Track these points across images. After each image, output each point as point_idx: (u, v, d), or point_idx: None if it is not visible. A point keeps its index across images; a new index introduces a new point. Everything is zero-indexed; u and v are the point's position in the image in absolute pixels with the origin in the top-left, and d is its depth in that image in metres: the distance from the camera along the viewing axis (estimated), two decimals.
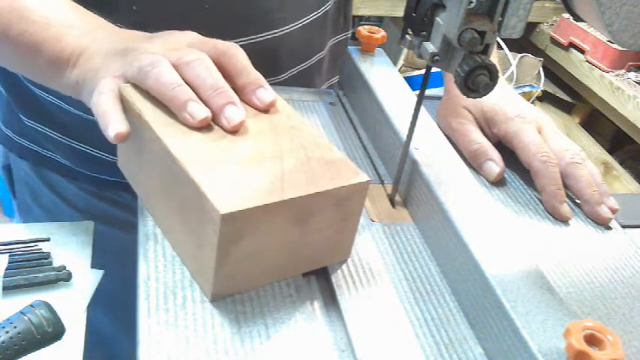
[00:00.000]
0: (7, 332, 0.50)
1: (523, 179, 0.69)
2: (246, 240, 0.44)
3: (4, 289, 0.61)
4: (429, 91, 0.61)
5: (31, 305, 0.52)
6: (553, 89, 2.07)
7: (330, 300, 0.49)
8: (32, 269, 0.64)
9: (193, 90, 0.50)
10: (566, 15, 1.48)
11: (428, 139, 0.63)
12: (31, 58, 0.58)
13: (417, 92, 0.57)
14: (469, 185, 0.58)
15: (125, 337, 0.61)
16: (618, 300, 0.55)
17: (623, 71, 1.77)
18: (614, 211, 0.65)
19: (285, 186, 0.45)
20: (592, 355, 0.38)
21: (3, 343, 0.49)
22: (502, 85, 0.71)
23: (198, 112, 0.49)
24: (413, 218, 0.60)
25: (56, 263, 0.65)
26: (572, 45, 1.91)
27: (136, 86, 0.52)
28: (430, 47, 0.51)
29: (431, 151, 0.61)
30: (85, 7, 0.60)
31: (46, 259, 0.66)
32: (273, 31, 0.74)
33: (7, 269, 0.63)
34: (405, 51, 2.02)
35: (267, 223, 0.45)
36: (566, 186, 0.65)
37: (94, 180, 0.81)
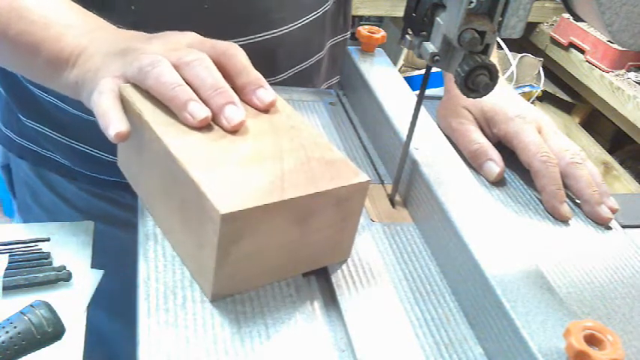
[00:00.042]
0: (7, 332, 0.50)
1: (523, 179, 0.69)
2: (246, 240, 0.44)
3: (4, 289, 0.61)
4: (429, 91, 0.61)
5: (31, 305, 0.52)
6: (553, 89, 2.07)
7: (330, 300, 0.49)
8: (32, 269, 0.64)
9: (193, 90, 0.50)
10: (566, 15, 1.48)
11: (428, 139, 0.63)
12: (30, 58, 0.58)
13: (417, 92, 0.57)
14: (469, 185, 0.58)
15: (125, 337, 0.61)
16: (618, 300, 0.55)
17: (623, 71, 1.77)
18: (614, 211, 0.65)
19: (285, 186, 0.45)
20: (592, 355, 0.38)
21: (3, 343, 0.49)
22: (502, 85, 0.71)
23: (199, 111, 0.49)
24: (413, 218, 0.60)
25: (56, 263, 0.65)
26: (572, 45, 1.91)
27: (136, 86, 0.52)
28: (430, 47, 0.51)
29: (431, 151, 0.61)
30: (84, 8, 0.60)
31: (46, 259, 0.66)
32: (271, 31, 0.74)
33: (7, 269, 0.63)
34: (405, 51, 2.02)
35: (267, 223, 0.45)
36: (566, 186, 0.65)
37: (93, 180, 0.81)
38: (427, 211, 0.57)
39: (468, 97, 0.50)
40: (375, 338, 0.45)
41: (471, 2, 0.46)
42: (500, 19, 0.46)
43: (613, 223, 0.65)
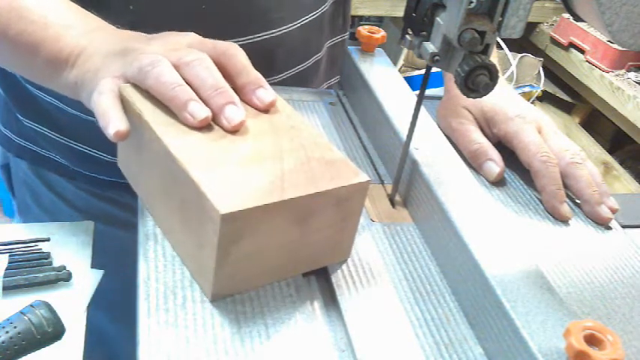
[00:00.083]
0: (7, 332, 0.50)
1: (523, 179, 0.69)
2: (246, 240, 0.44)
3: (4, 289, 0.61)
4: (429, 91, 0.61)
5: (31, 305, 0.52)
6: (553, 89, 2.07)
7: (330, 300, 0.49)
8: (32, 269, 0.64)
9: (193, 90, 0.50)
10: (566, 15, 1.48)
11: (428, 139, 0.63)
12: (29, 58, 0.58)
13: (417, 92, 0.57)
14: (469, 185, 0.58)
15: (125, 337, 0.61)
16: (618, 300, 0.55)
17: (623, 71, 1.77)
18: (614, 211, 0.65)
19: (285, 186, 0.45)
20: (592, 355, 0.38)
21: (3, 343, 0.49)
22: (502, 85, 0.71)
23: (199, 111, 0.49)
24: (413, 218, 0.60)
25: (56, 263, 0.66)
26: (572, 45, 1.91)
27: (136, 86, 0.52)
28: (430, 47, 0.51)
29: (431, 151, 0.61)
30: (82, 7, 0.60)
31: (46, 259, 0.66)
32: (270, 32, 0.74)
33: (7, 269, 0.63)
34: (405, 51, 2.02)
35: (267, 223, 0.45)
36: (566, 186, 0.65)
37: (92, 180, 0.81)
38: (427, 211, 0.57)
39: (468, 97, 0.50)
40: (375, 338, 0.45)
41: (471, 2, 0.46)
42: (500, 19, 0.46)
43: (613, 223, 0.65)
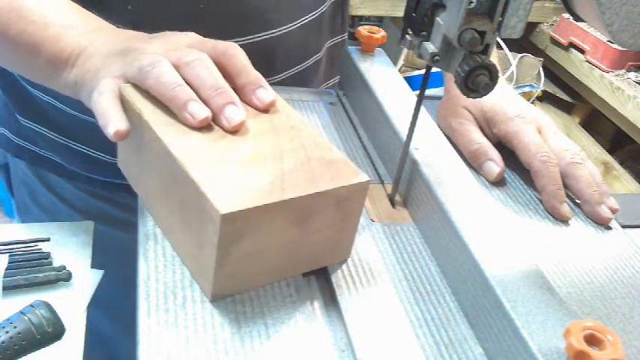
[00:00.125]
0: (7, 332, 0.50)
1: (523, 179, 0.69)
2: (246, 240, 0.44)
3: (4, 289, 0.61)
4: (429, 91, 0.61)
5: (31, 305, 0.52)
6: (553, 89, 2.07)
7: (330, 300, 0.49)
8: (32, 269, 0.64)
9: (193, 90, 0.50)
10: (566, 15, 1.48)
11: (428, 139, 0.63)
12: (29, 58, 0.58)
13: (417, 92, 0.57)
14: (469, 185, 0.58)
15: (125, 337, 0.61)
16: (618, 300, 0.55)
17: (623, 71, 1.77)
18: (614, 211, 0.65)
19: (285, 186, 0.45)
20: (592, 355, 0.38)
21: (3, 343, 0.49)
22: (502, 85, 0.71)
23: (199, 111, 0.49)
24: (413, 218, 0.60)
25: (56, 263, 0.66)
26: (572, 45, 1.91)
27: (136, 86, 0.52)
28: (430, 47, 0.51)
29: (431, 151, 0.61)
30: (82, 7, 0.60)
31: (46, 259, 0.66)
32: (269, 32, 0.74)
33: (7, 269, 0.63)
34: (405, 51, 2.02)
35: (267, 223, 0.45)
36: (566, 186, 0.65)
37: (91, 180, 0.81)
38: (427, 211, 0.57)
39: (468, 97, 0.50)
40: (375, 338, 0.45)
41: (471, 2, 0.46)
42: (500, 19, 0.46)
43: (613, 223, 0.65)
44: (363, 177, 0.48)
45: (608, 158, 1.85)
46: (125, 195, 0.79)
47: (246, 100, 0.54)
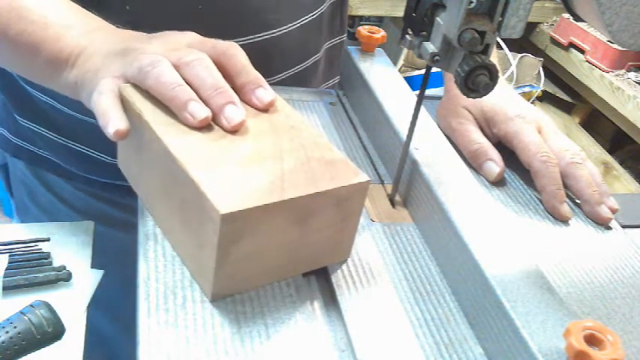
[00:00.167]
0: (7, 332, 0.50)
1: (523, 179, 0.69)
2: (246, 240, 0.44)
3: (4, 289, 0.61)
4: (429, 91, 0.61)
5: (31, 305, 0.52)
6: (553, 89, 2.07)
7: (330, 300, 0.49)
8: (32, 269, 0.64)
9: (193, 90, 0.50)
10: (566, 15, 1.48)
11: (428, 139, 0.63)
12: (29, 58, 0.58)
13: (417, 92, 0.57)
14: (469, 185, 0.58)
15: (125, 338, 0.61)
16: (618, 300, 0.55)
17: (623, 71, 1.77)
18: (614, 211, 0.65)
19: (285, 186, 0.45)
20: (592, 355, 0.38)
21: (3, 343, 0.49)
22: (502, 85, 0.71)
23: (199, 111, 0.49)
24: (413, 218, 0.60)
25: (56, 263, 0.65)
26: (572, 45, 1.91)
27: (136, 86, 0.52)
28: (430, 47, 0.51)
29: (431, 151, 0.61)
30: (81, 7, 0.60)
31: (46, 259, 0.66)
32: (267, 32, 0.74)
33: (7, 269, 0.63)
34: (405, 51, 2.02)
35: (267, 223, 0.45)
36: (566, 186, 0.65)
37: (89, 181, 0.81)
38: (427, 211, 0.57)
39: (468, 97, 0.50)
40: (375, 338, 0.45)
41: (471, 2, 0.46)
42: (500, 19, 0.46)
43: (613, 223, 0.65)
44: (363, 177, 0.48)
45: (608, 158, 1.85)
46: (124, 196, 0.78)
47: (245, 100, 0.54)
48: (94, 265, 0.67)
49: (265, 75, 0.55)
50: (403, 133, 0.60)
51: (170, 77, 0.50)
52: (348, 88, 0.79)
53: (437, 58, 0.50)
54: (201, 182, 0.44)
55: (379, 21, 2.11)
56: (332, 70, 0.90)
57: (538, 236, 0.62)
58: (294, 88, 0.79)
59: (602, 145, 1.92)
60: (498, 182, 0.68)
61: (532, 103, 1.96)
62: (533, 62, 2.02)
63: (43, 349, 0.52)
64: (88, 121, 0.72)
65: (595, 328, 0.39)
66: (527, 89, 2.02)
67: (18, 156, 0.85)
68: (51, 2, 0.59)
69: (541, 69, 2.02)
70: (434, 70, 0.54)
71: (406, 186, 0.61)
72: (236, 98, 0.51)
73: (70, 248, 0.68)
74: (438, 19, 0.49)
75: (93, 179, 0.80)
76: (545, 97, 2.09)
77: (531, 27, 2.07)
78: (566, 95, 2.05)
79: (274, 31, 0.74)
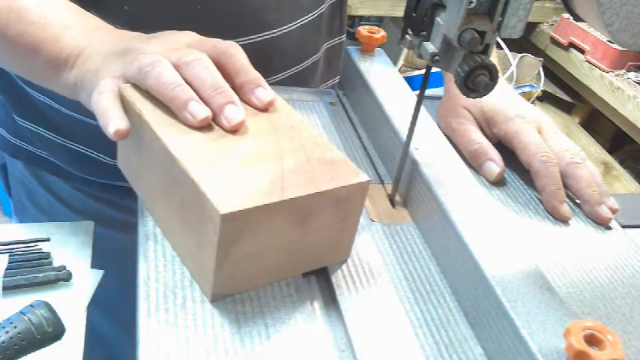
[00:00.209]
0: (7, 332, 0.50)
1: (523, 179, 0.69)
2: (246, 240, 0.44)
3: (4, 289, 0.61)
4: (429, 91, 0.61)
5: (31, 305, 0.52)
6: (553, 89, 2.07)
7: (330, 300, 0.49)
8: (32, 269, 0.64)
9: (193, 90, 0.50)
10: (566, 15, 1.48)
11: (428, 139, 0.63)
12: (29, 59, 0.58)
13: (417, 92, 0.57)
14: (469, 185, 0.58)
15: (124, 338, 0.61)
16: (618, 300, 0.55)
17: (623, 71, 1.77)
18: (614, 211, 0.65)
19: (285, 186, 0.45)
20: (592, 355, 0.38)
21: (3, 343, 0.49)
22: (502, 85, 0.71)
23: (199, 111, 0.49)
24: (413, 218, 0.60)
25: (56, 263, 0.65)
26: (572, 45, 1.91)
27: (136, 86, 0.52)
28: (430, 47, 0.51)
29: (431, 151, 0.61)
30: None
31: (46, 259, 0.66)
32: (266, 33, 0.74)
33: (7, 269, 0.63)
34: (405, 51, 2.03)
35: (267, 223, 0.45)
36: (566, 186, 0.65)
37: (88, 182, 0.81)
38: (427, 211, 0.57)
39: (468, 97, 0.50)
40: (375, 338, 0.45)
41: (471, 2, 0.46)
42: (500, 19, 0.46)
43: (613, 223, 0.65)
44: (363, 177, 0.48)
45: (608, 158, 1.85)
46: (123, 196, 0.79)
47: (245, 100, 0.54)
48: (94, 265, 0.67)
49: (264, 75, 0.55)
50: (403, 133, 0.60)
51: (170, 77, 0.50)
52: (348, 88, 0.79)
53: (437, 58, 0.50)
54: (201, 182, 0.44)
55: (379, 21, 2.11)
56: (331, 71, 0.90)
57: (538, 236, 0.62)
58: (294, 88, 0.79)
59: (602, 145, 1.92)
60: (498, 182, 0.68)
61: (532, 103, 1.96)
62: (533, 62, 2.02)
63: (43, 349, 0.52)
64: (86, 122, 0.72)
65: (595, 328, 0.39)
66: (527, 89, 2.02)
67: (16, 156, 0.85)
68: (50, 3, 0.59)
69: (541, 69, 2.02)
70: (434, 70, 0.54)
71: (406, 186, 0.61)
72: (236, 98, 0.51)
73: (70, 248, 0.68)
74: (438, 19, 0.49)
75: (91, 180, 0.80)
76: (545, 97, 2.09)
77: (531, 27, 2.07)
78: (566, 95, 2.05)
79: (274, 31, 0.74)
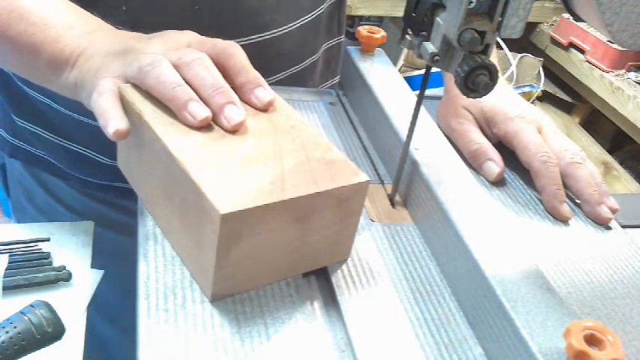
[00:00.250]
0: (7, 332, 0.50)
1: (523, 179, 0.69)
2: (246, 240, 0.44)
3: (4, 289, 0.61)
4: (429, 91, 0.61)
5: (31, 305, 0.52)
6: (553, 89, 2.07)
7: (330, 300, 0.49)
8: (32, 269, 0.64)
9: (193, 90, 0.50)
10: (566, 15, 1.48)
11: (428, 139, 0.63)
12: (30, 59, 0.58)
13: (417, 92, 0.57)
14: (469, 185, 0.58)
15: (123, 339, 0.60)
16: (618, 300, 0.55)
17: (623, 71, 1.77)
18: (614, 211, 0.65)
19: (285, 186, 0.45)
20: (592, 355, 0.38)
21: (3, 343, 0.49)
22: (502, 85, 0.71)
23: (199, 111, 0.49)
24: (413, 218, 0.60)
25: (56, 263, 0.65)
26: (572, 45, 1.91)
27: (136, 86, 0.52)
28: (430, 47, 0.51)
29: (431, 151, 0.61)
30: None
31: (46, 259, 0.66)
32: (267, 33, 0.74)
33: (7, 269, 0.63)
34: (405, 51, 2.03)
35: (267, 223, 0.45)
36: (566, 186, 0.65)
37: (86, 183, 0.81)
38: (427, 211, 0.57)
39: (468, 97, 0.50)
40: (375, 338, 0.45)
41: (471, 2, 0.46)
42: (500, 19, 0.46)
43: (613, 223, 0.65)
44: (363, 177, 0.48)
45: (608, 158, 1.85)
46: (121, 197, 0.79)
47: (245, 100, 0.54)
48: (93, 265, 0.67)
49: (263, 75, 0.55)
50: (403, 133, 0.60)
51: (170, 77, 0.50)
52: (348, 88, 0.79)
53: (437, 58, 0.50)
54: (201, 182, 0.44)
55: (379, 21, 2.11)
56: (329, 71, 0.90)
57: (538, 236, 0.62)
58: (294, 88, 0.79)
59: (602, 145, 1.92)
60: (498, 182, 0.68)
61: (532, 103, 1.96)
62: (533, 62, 2.02)
63: (43, 349, 0.52)
64: (85, 122, 0.72)
65: (595, 328, 0.40)
66: (527, 89, 2.02)
67: (15, 156, 0.85)
68: (51, 3, 0.59)
69: (541, 69, 2.02)
70: (434, 70, 0.54)
71: (406, 186, 0.61)
72: (236, 98, 0.51)
73: (70, 248, 0.68)
74: (437, 19, 0.49)
75: (90, 181, 0.80)
76: (545, 97, 2.09)
77: (531, 27, 2.07)
78: (566, 95, 2.05)
79: (274, 31, 0.74)
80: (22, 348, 0.50)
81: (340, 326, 0.47)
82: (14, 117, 0.81)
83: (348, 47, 0.80)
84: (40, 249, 0.67)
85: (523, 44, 2.11)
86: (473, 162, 0.70)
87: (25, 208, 0.88)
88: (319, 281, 0.51)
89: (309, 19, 0.79)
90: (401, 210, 0.61)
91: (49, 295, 0.61)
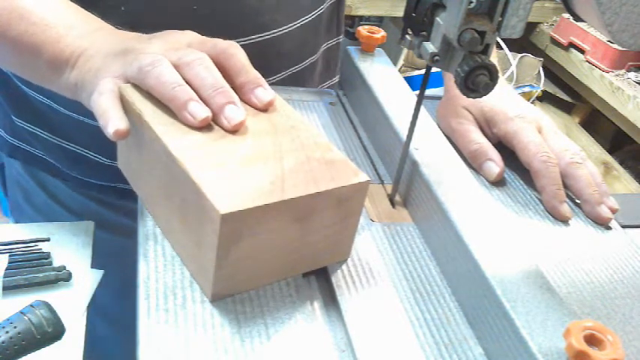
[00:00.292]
0: (7, 332, 0.50)
1: (523, 179, 0.69)
2: (246, 240, 0.44)
3: (4, 289, 0.61)
4: (429, 91, 0.61)
5: (31, 305, 0.52)
6: (553, 89, 2.07)
7: (330, 300, 0.49)
8: (32, 269, 0.64)
9: (193, 90, 0.50)
10: (566, 15, 1.48)
11: (428, 139, 0.63)
12: (30, 59, 0.58)
13: (417, 92, 0.57)
14: (469, 185, 0.58)
15: (123, 340, 0.60)
16: (618, 300, 0.55)
17: (623, 71, 1.77)
18: (614, 211, 0.65)
19: (285, 186, 0.45)
20: (592, 355, 0.38)
21: (3, 343, 0.49)
22: (502, 85, 0.71)
23: (199, 111, 0.49)
24: (413, 218, 0.60)
25: (56, 263, 0.65)
26: (572, 45, 1.91)
27: (136, 86, 0.52)
28: (430, 47, 0.51)
29: (431, 151, 0.61)
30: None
31: (46, 259, 0.66)
32: (267, 33, 0.74)
33: (7, 269, 0.63)
34: (405, 51, 2.03)
35: (267, 223, 0.45)
36: (566, 186, 0.65)
37: (85, 183, 0.81)
38: (427, 211, 0.57)
39: (468, 97, 0.50)
40: (375, 338, 0.45)
41: (471, 2, 0.46)
42: (500, 19, 0.46)
43: (613, 223, 0.65)
44: (363, 177, 0.48)
45: (608, 158, 1.85)
46: (120, 198, 0.79)
47: (245, 100, 0.54)
48: (93, 266, 0.67)
49: (263, 75, 0.55)
50: (403, 133, 0.60)
51: (170, 77, 0.50)
52: (348, 88, 0.79)
53: (437, 58, 0.50)
54: (201, 182, 0.44)
55: (379, 21, 2.11)
56: (329, 72, 0.90)
57: (538, 236, 0.62)
58: (294, 88, 0.79)
59: (602, 145, 1.92)
60: (498, 182, 0.68)
61: (532, 103, 1.96)
62: (533, 62, 2.02)
63: (43, 349, 0.52)
64: (85, 122, 0.72)
65: (595, 328, 0.40)
66: (527, 89, 2.02)
67: (14, 156, 0.84)
68: (51, 3, 0.59)
69: (541, 69, 2.02)
70: (434, 70, 0.54)
71: (406, 186, 0.61)
72: (236, 98, 0.51)
73: (70, 248, 0.68)
74: (437, 19, 0.49)
75: (89, 181, 0.80)
76: (545, 97, 2.09)
77: (531, 27, 2.07)
78: (566, 95, 2.05)
79: (274, 31, 0.74)
80: (22, 348, 0.50)
81: (340, 326, 0.47)
82: (13, 117, 0.81)
83: (348, 47, 0.80)
84: (40, 249, 0.67)
85: (523, 44, 2.11)
86: (473, 162, 0.70)
87: (23, 208, 0.88)
88: (319, 281, 0.51)
89: (309, 19, 0.79)
90: (401, 210, 0.61)
91: (49, 295, 0.61)
